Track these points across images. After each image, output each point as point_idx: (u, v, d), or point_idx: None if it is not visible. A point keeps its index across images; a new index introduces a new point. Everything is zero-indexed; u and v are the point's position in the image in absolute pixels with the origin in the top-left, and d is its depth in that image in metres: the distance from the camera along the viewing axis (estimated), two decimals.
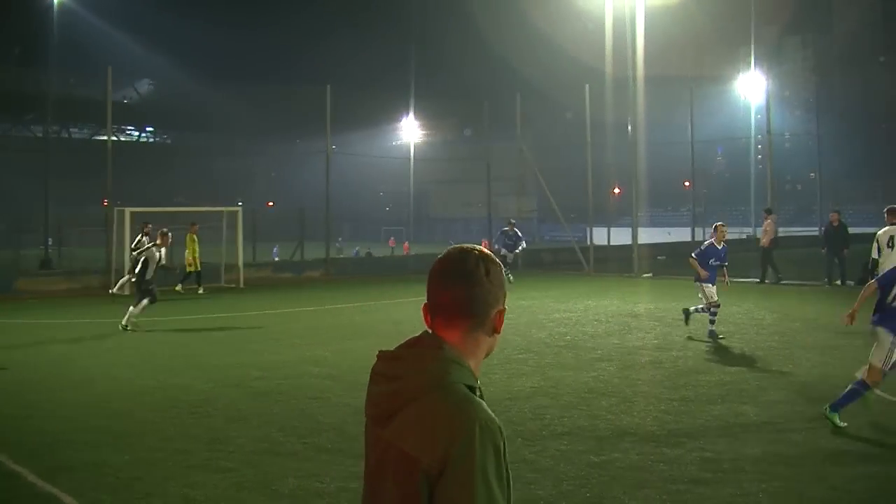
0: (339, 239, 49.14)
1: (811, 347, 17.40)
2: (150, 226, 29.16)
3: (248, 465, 9.75)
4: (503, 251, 32.95)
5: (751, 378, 14.35)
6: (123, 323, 21.26)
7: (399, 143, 56.43)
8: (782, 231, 38.80)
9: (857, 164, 69.71)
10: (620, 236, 44.41)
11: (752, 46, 48.80)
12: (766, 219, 32.67)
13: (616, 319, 22.10)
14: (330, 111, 39.35)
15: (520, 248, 34.20)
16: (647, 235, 41.85)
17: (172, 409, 12.64)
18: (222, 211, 35.56)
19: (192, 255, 31.56)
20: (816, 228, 32.88)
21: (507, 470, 2.61)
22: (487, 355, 2.91)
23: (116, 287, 29.61)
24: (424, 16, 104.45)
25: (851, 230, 31.26)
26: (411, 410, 2.64)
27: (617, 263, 38.74)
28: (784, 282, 31.05)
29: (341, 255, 49.23)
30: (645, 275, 35.60)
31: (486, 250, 2.89)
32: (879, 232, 18.63)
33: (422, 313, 2.89)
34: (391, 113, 61.44)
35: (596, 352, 17.27)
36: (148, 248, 22.85)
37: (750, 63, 46.74)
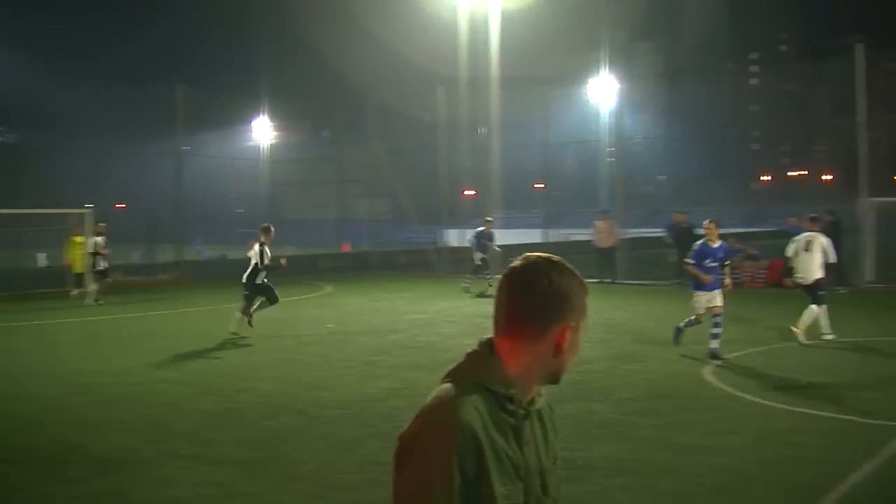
0: (196, 241, 48.17)
1: (661, 345, 17.74)
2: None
3: (100, 474, 9.51)
4: (480, 254, 31.23)
5: (603, 376, 14.57)
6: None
7: (252, 143, 55.62)
8: (634, 232, 39.50)
9: (704, 167, 71.59)
10: None
11: (604, 51, 49.68)
12: (599, 220, 33.32)
13: (470, 320, 22.22)
14: (182, 111, 38.66)
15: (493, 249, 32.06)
16: (501, 237, 42.14)
17: (19, 419, 12.21)
18: (70, 213, 34.54)
19: (73, 255, 30.79)
20: (664, 230, 33.58)
21: (463, 478, 2.41)
22: (553, 378, 2.72)
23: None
24: (279, 15, 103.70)
25: (698, 231, 31.98)
26: None
27: (470, 265, 38.91)
28: (627, 282, 31.84)
29: (201, 258, 48.33)
30: (497, 276, 35.83)
31: (557, 259, 2.75)
32: (798, 236, 19.83)
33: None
34: (245, 113, 60.76)
35: (450, 353, 17.22)
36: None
37: (602, 67, 47.46)
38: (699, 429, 11.21)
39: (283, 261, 21.68)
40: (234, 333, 20.06)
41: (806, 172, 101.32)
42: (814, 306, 18.39)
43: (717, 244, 17.14)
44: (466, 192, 44.98)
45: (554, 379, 2.71)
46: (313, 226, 62.41)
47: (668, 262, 31.80)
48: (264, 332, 20.39)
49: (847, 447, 10.30)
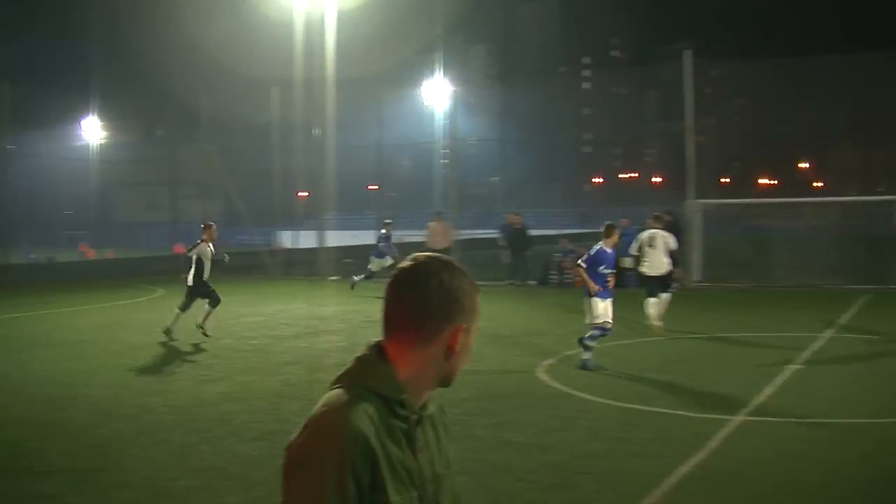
0: (23, 244, 46.49)
1: (495, 343, 17.88)
2: None
3: None
4: (388, 258, 29.62)
5: None
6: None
7: (82, 143, 54.17)
8: (467, 233, 39.76)
9: (537, 169, 72.74)
10: (307, 239, 44.31)
11: (439, 53, 50.00)
12: (434, 221, 33.48)
13: (304, 322, 22.03)
14: (6, 108, 37.41)
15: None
16: (335, 238, 41.93)
17: None
18: None
19: None
20: (497, 231, 33.97)
21: (358, 487, 2.32)
22: (445, 381, 2.62)
23: None
24: (109, 11, 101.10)
25: (531, 232, 32.51)
26: None
27: (304, 266, 38.67)
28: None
29: (28, 261, 46.72)
30: (332, 277, 35.67)
31: (447, 259, 2.64)
32: (642, 234, 21.09)
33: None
34: (75, 112, 59.21)
35: (284, 355, 17.13)
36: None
37: (437, 69, 47.74)
38: (533, 427, 11.31)
39: (226, 257, 21.21)
40: (167, 332, 19.48)
41: (637, 174, 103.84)
42: (663, 294, 19.79)
43: (610, 250, 16.46)
44: (300, 194, 44.56)
45: (446, 382, 2.62)
46: (145, 228, 61.11)
47: (501, 264, 32.10)
48: (92, 336, 19.82)
49: (676, 441, 10.54)
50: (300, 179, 43.04)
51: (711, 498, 8.62)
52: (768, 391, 13.37)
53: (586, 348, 15.47)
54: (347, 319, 22.11)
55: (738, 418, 11.62)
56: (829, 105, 42.99)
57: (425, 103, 47.40)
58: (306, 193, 44.83)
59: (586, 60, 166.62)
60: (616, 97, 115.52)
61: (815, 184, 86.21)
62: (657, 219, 21.44)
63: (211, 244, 20.34)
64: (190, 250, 20.52)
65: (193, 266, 20.03)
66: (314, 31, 38.46)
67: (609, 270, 16.16)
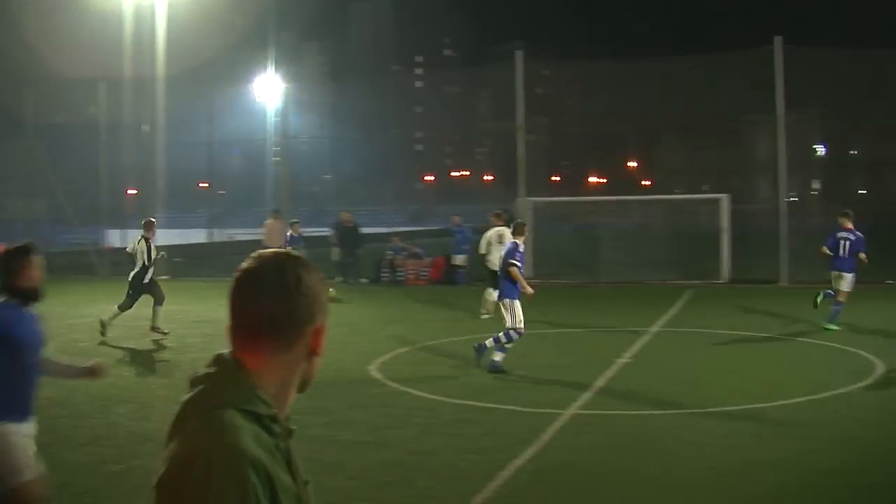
0: None
1: (333, 342, 17.67)
2: None
3: None
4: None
5: None
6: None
7: None
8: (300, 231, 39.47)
9: (370, 167, 72.74)
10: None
11: (271, 50, 49.51)
12: (270, 220, 33.13)
13: (132, 323, 21.47)
14: None
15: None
16: (164, 237, 41.09)
17: None
18: None
19: None
20: (329, 228, 33.79)
21: None
22: (307, 383, 2.48)
23: None
24: None
25: (363, 230, 32.49)
26: (172, 443, 2.24)
27: (133, 266, 37.77)
28: None
29: None
30: (161, 277, 34.92)
31: (297, 254, 2.43)
32: (489, 232, 21.71)
33: (226, 335, 2.42)
34: None
35: (112, 357, 16.66)
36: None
37: (268, 66, 47.26)
38: (367, 425, 11.28)
39: (163, 254, 21.08)
40: (102, 326, 19.25)
41: (468, 172, 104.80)
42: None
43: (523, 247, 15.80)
44: (129, 192, 43.51)
45: (305, 387, 2.48)
46: None
47: (332, 261, 31.90)
48: None
49: (509, 436, 10.64)
50: (129, 177, 42.05)
51: (544, 490, 8.73)
52: (598, 385, 13.63)
53: (502, 349, 14.93)
54: (177, 320, 21.67)
55: (570, 412, 11.81)
56: (657, 105, 44.11)
57: (257, 100, 46.84)
58: (135, 191, 43.82)
59: (419, 59, 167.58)
60: (448, 96, 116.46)
61: (642, 182, 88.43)
62: (499, 216, 21.96)
63: (151, 241, 20.12)
64: (132, 248, 20.32)
65: (137, 264, 19.94)
66: (144, 26, 37.62)
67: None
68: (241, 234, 47.53)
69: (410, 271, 31.42)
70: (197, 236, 47.33)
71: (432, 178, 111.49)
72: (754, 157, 55.41)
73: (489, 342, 14.96)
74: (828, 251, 20.15)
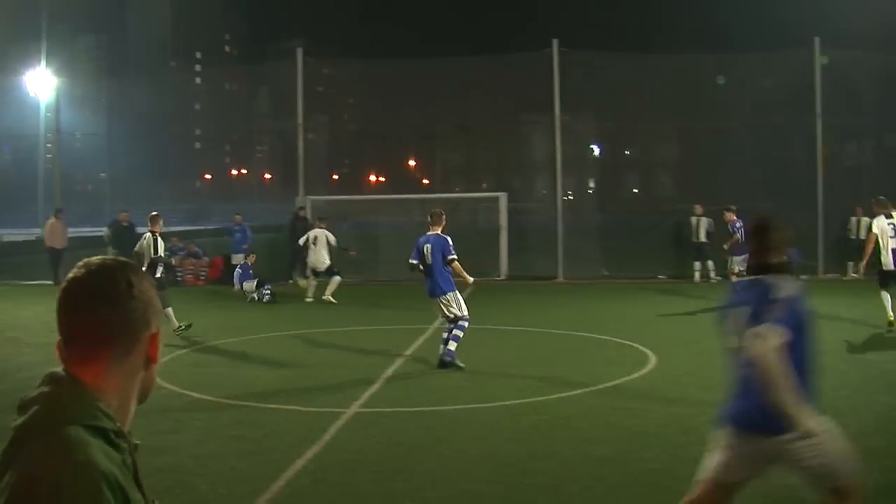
0: None
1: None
2: None
3: None
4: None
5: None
6: None
7: None
8: (73, 231, 38.19)
9: (146, 165, 70.95)
10: None
11: (44, 43, 47.68)
12: (53, 219, 31.97)
13: None
14: None
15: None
16: None
17: None
18: None
19: None
20: (105, 228, 32.79)
21: None
22: (146, 392, 2.36)
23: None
24: None
25: (140, 229, 31.68)
26: (13, 466, 2.05)
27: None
28: None
29: None
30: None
31: (125, 259, 2.28)
32: (310, 232, 25.16)
33: (56, 351, 2.24)
34: None
35: None
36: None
37: (40, 59, 45.50)
38: (145, 429, 10.86)
39: (167, 254, 20.55)
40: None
41: (247, 171, 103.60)
42: (336, 277, 23.83)
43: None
44: None
45: (143, 397, 2.37)
46: None
47: None
48: None
49: (290, 436, 10.54)
50: None
51: (326, 490, 8.67)
52: (380, 383, 13.67)
53: (455, 339, 14.82)
54: None
55: (352, 410, 11.79)
56: (437, 105, 44.59)
57: (29, 94, 45.02)
58: None
59: (198, 55, 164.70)
60: (227, 93, 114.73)
61: (423, 181, 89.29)
62: (322, 219, 25.18)
63: (157, 237, 19.24)
64: (139, 247, 19.04)
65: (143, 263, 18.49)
66: None
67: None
68: (11, 235, 45.65)
69: (189, 271, 30.79)
70: None
71: (210, 176, 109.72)
72: (532, 156, 56.62)
73: (451, 345, 14.78)
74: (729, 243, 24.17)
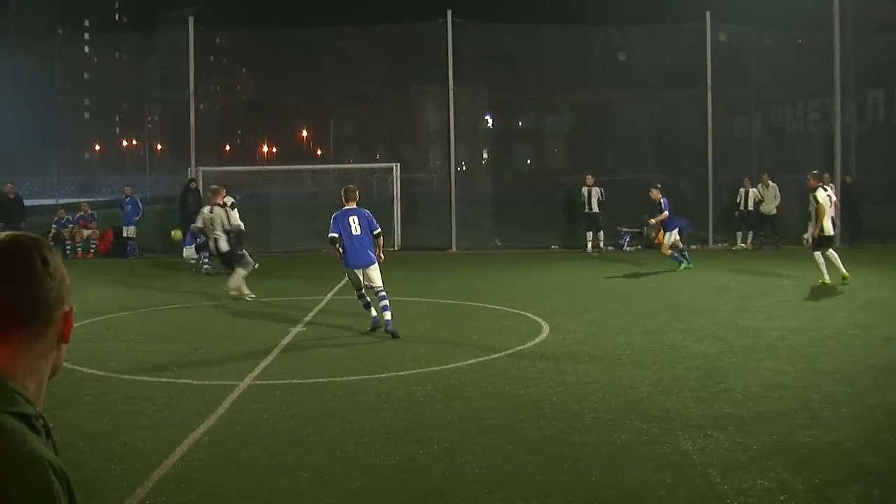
0: None
1: None
2: None
3: None
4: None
5: None
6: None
7: None
8: None
9: (33, 135, 69.41)
10: None
11: None
12: None
13: None
14: None
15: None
16: None
17: None
18: None
19: None
20: None
21: None
22: (55, 373, 2.20)
23: None
24: None
25: (27, 202, 31.06)
26: None
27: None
28: None
29: None
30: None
31: (36, 236, 2.12)
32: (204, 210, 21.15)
33: None
34: None
35: None
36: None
37: None
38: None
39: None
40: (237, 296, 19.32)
41: (137, 142, 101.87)
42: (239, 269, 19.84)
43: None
44: None
45: (54, 375, 2.22)
46: None
47: None
48: None
49: (183, 410, 10.45)
50: None
51: (221, 463, 8.62)
52: (273, 355, 13.62)
53: (387, 309, 15.12)
54: None
55: (245, 383, 11.73)
56: (330, 75, 44.31)
57: None
58: None
59: (87, 23, 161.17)
60: (117, 62, 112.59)
61: (316, 152, 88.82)
62: (215, 191, 21.56)
63: (218, 208, 19.93)
64: (202, 221, 20.01)
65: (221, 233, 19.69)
66: None
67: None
68: None
69: (78, 244, 30.16)
70: None
71: (100, 147, 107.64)
72: (425, 127, 56.72)
73: (387, 314, 15.11)
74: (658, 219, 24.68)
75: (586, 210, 29.62)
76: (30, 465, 1.93)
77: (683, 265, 23.87)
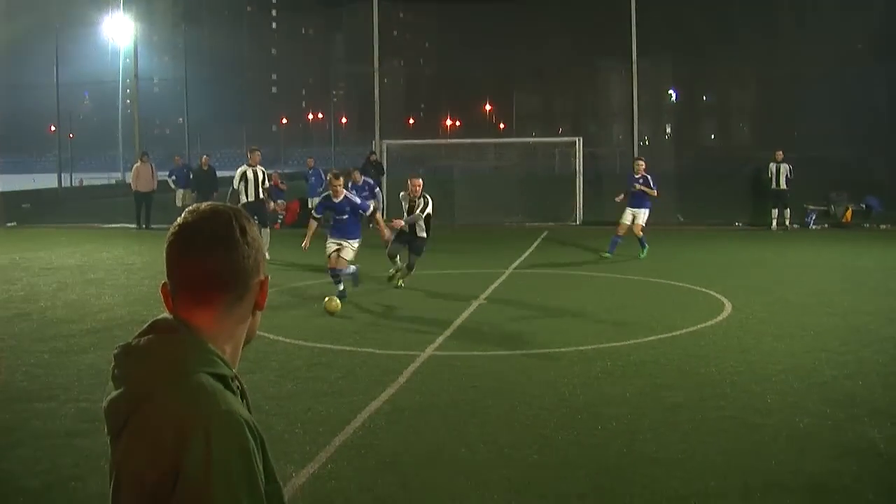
0: None
1: None
2: None
3: None
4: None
5: (121, 324, 14.08)
6: None
7: None
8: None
9: (225, 109, 71.64)
10: None
11: None
12: (140, 163, 32.29)
13: None
14: None
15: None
16: (7, 183, 39.77)
17: None
18: None
19: None
20: (170, 173, 33.07)
21: (262, 475, 2.10)
22: (251, 339, 2.37)
23: None
24: None
25: (220, 172, 32.04)
26: (137, 418, 2.07)
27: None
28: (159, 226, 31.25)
29: None
30: (9, 224, 33.86)
31: (235, 206, 2.29)
32: (243, 168, 22.74)
33: (161, 296, 2.27)
34: None
35: None
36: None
37: (119, 6, 45.89)
38: None
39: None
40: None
41: (323, 116, 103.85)
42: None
43: (340, 198, 16.28)
44: None
45: (249, 341, 2.39)
46: None
47: (176, 206, 31.07)
48: None
49: (365, 378, 10.66)
50: None
51: (401, 431, 8.78)
52: (454, 327, 13.75)
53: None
54: (26, 268, 21.08)
55: (426, 354, 11.89)
56: (513, 49, 44.34)
57: (108, 41, 45.45)
58: None
59: (274, 0, 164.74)
60: (304, 38, 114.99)
61: (499, 125, 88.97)
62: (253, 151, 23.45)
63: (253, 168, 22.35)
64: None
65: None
66: None
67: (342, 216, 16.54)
68: (93, 179, 46.34)
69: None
70: (48, 181, 46.00)
71: (287, 120, 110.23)
72: (608, 101, 56.15)
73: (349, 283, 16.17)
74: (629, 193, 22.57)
75: (773, 186, 28.86)
76: (229, 421, 2.07)
77: (644, 251, 22.17)
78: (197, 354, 2.16)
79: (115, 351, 2.22)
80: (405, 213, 17.65)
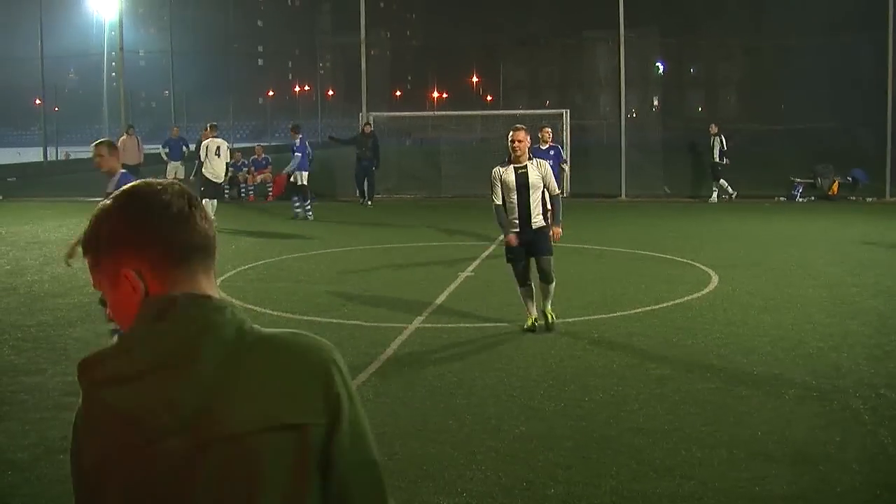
0: None
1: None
2: None
3: None
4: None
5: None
6: None
7: None
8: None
9: (210, 82, 71.32)
10: None
11: None
12: (125, 136, 32.12)
13: None
14: None
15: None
16: None
17: None
18: None
19: None
20: (162, 144, 32.94)
21: None
22: None
23: None
24: None
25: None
26: (235, 383, 2.04)
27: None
28: None
29: None
30: None
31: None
32: (206, 142, 23.35)
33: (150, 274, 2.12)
34: None
35: None
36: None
37: None
38: None
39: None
40: None
41: (309, 87, 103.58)
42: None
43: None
44: None
45: None
46: None
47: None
48: None
49: (352, 350, 10.62)
50: None
51: (388, 403, 8.80)
52: (441, 299, 13.78)
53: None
54: (12, 242, 21.00)
55: (413, 326, 11.92)
56: (499, 20, 44.25)
57: (92, 13, 45.18)
58: None
59: None
60: (289, 9, 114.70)
61: (486, 97, 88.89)
62: (213, 128, 23.80)
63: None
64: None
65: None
66: None
67: None
68: (78, 152, 46.05)
69: (251, 187, 30.98)
70: (32, 155, 45.82)
71: (273, 93, 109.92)
72: (596, 73, 56.13)
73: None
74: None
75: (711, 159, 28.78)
76: (336, 354, 2.29)
77: None
78: (236, 313, 2.19)
79: (105, 355, 2.15)
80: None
